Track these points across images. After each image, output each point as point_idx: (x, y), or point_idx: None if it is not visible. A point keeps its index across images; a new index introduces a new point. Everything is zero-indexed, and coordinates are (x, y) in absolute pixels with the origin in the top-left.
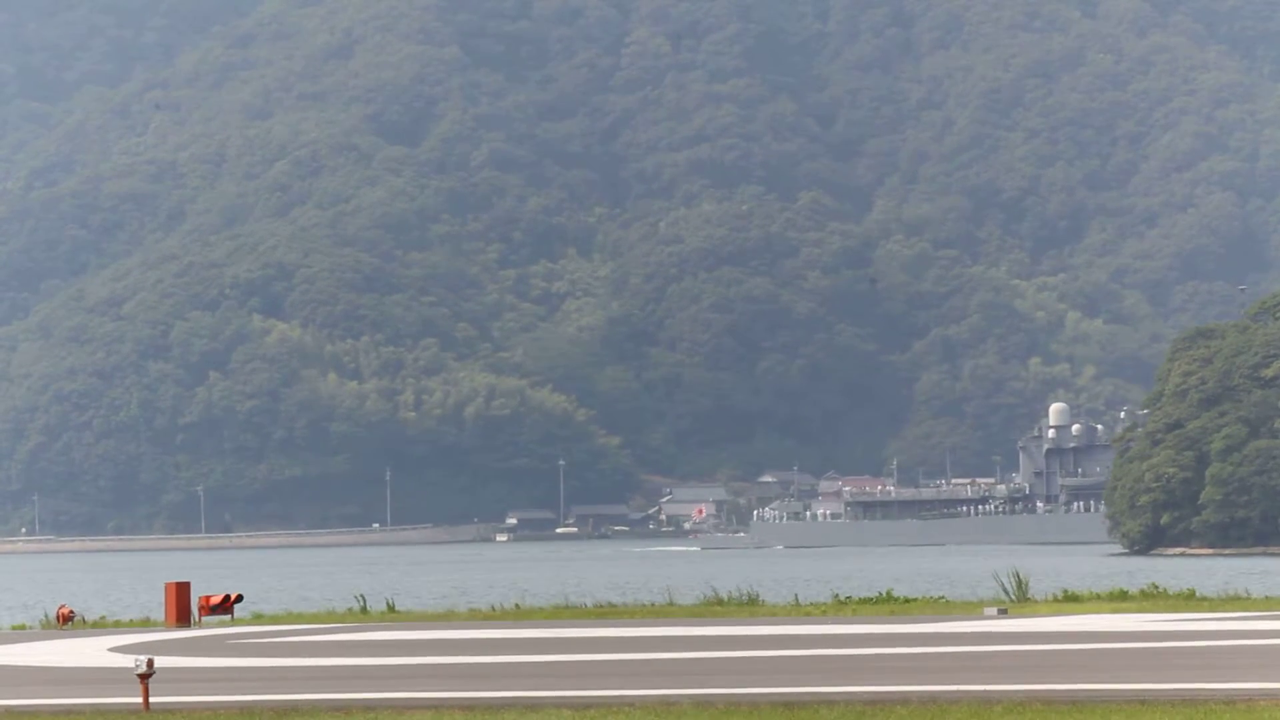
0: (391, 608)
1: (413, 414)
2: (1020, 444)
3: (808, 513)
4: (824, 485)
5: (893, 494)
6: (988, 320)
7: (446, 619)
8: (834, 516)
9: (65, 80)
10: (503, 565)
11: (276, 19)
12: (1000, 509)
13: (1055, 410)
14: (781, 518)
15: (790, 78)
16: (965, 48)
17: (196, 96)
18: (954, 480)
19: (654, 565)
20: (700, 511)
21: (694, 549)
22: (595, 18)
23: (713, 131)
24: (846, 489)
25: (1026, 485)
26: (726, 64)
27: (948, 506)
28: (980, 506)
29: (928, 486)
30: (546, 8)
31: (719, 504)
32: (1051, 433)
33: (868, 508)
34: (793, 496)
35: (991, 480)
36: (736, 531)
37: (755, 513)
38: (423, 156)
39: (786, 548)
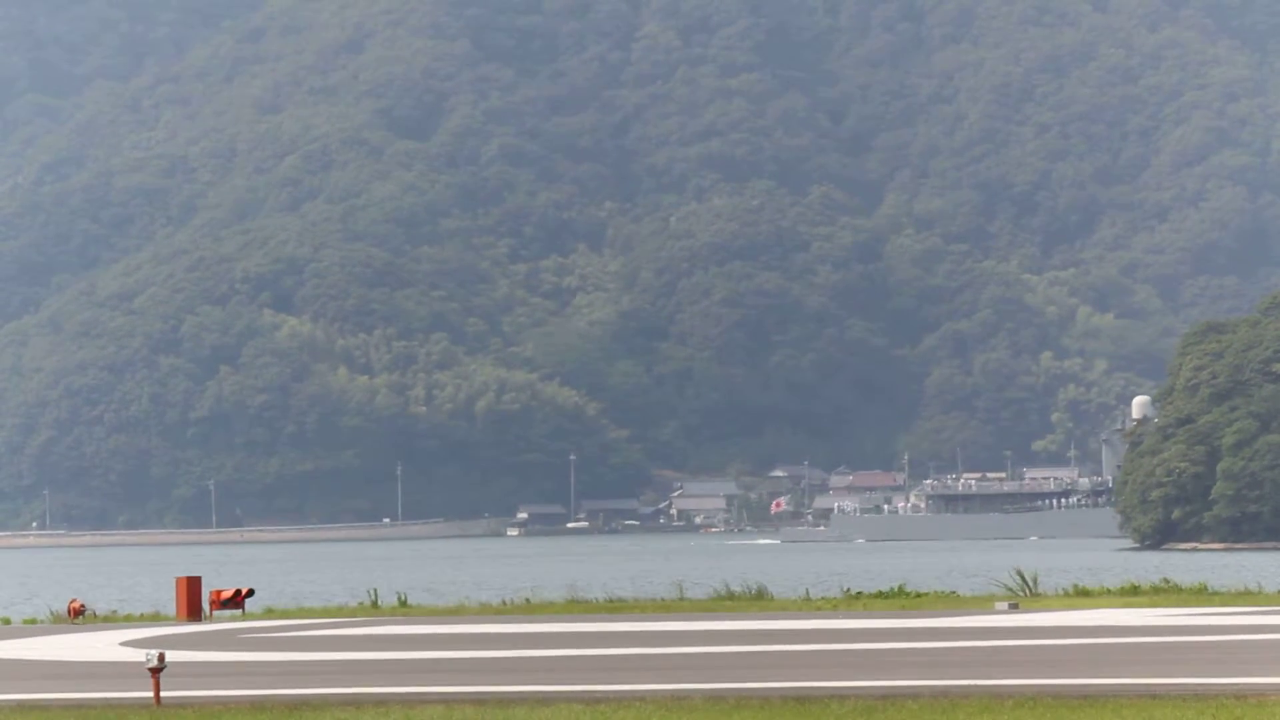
0: (403, 602)
1: (423, 408)
2: (1103, 437)
3: (887, 506)
4: (835, 480)
5: (974, 487)
6: (998, 315)
7: (457, 613)
8: (914, 510)
9: (76, 75)
10: (557, 559)
11: (287, 13)
12: (1083, 503)
13: (1138, 403)
14: (872, 509)
15: (801, 72)
16: (976, 42)
17: (207, 91)
18: (1035, 472)
19: (747, 560)
20: (779, 504)
21: (775, 542)
22: (606, 12)
23: (723, 126)
24: (928, 482)
25: (1109, 479)
26: (737, 59)
27: (1030, 500)
28: (1062, 500)
29: (1011, 480)
30: (557, 2)
31: (729, 498)
32: (1134, 425)
33: (949, 501)
34: (803, 492)
35: (1073, 473)
36: (818, 525)
37: (836, 506)
38: (433, 151)
39: (868, 541)
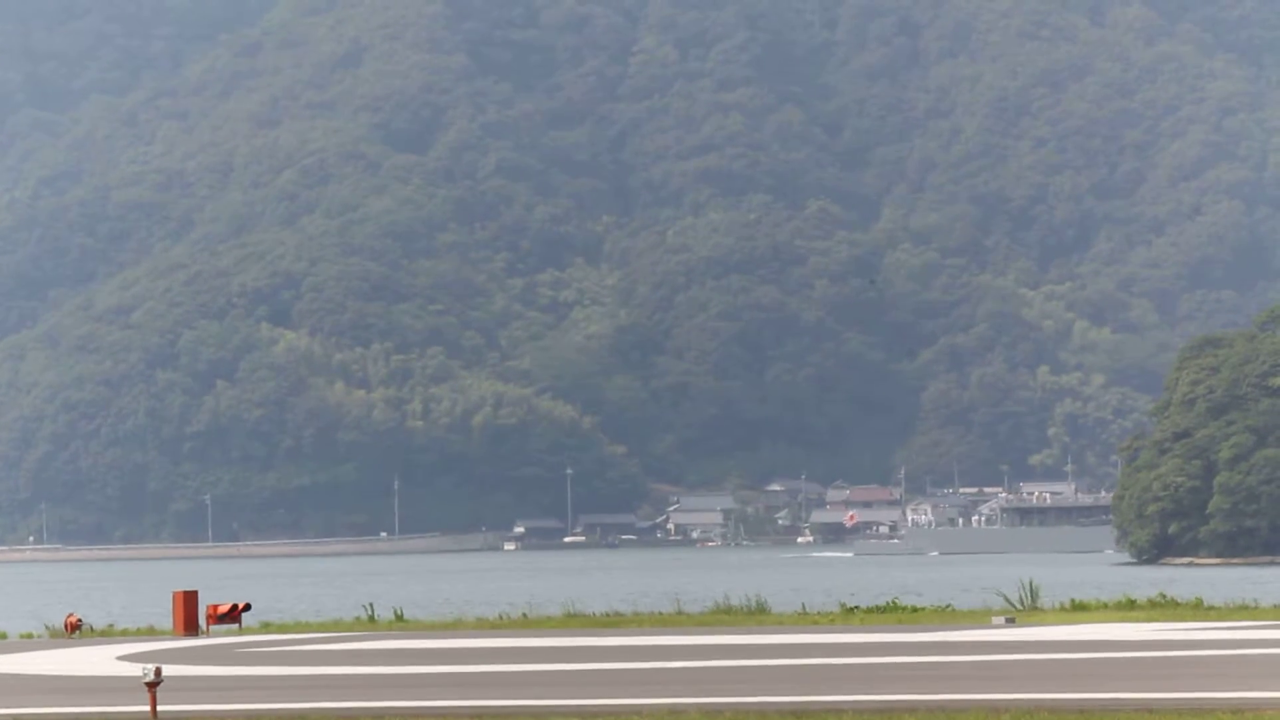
0: (399, 616)
1: (420, 422)
2: None
3: (961, 519)
4: (831, 494)
5: (1049, 500)
6: (995, 329)
7: (454, 628)
8: (989, 522)
9: (73, 89)
10: (583, 573)
11: (284, 28)
12: None
13: None
14: (946, 522)
15: (798, 86)
16: (973, 57)
17: (204, 105)
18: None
19: (826, 574)
20: (853, 518)
21: (848, 555)
22: (603, 26)
23: (720, 140)
24: (1002, 495)
25: None
26: (734, 73)
27: (1105, 513)
28: None
29: (1086, 492)
30: (554, 16)
31: (726, 512)
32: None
33: (1024, 514)
34: (800, 506)
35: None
36: (891, 538)
37: (910, 518)
38: (430, 165)
39: (942, 554)
